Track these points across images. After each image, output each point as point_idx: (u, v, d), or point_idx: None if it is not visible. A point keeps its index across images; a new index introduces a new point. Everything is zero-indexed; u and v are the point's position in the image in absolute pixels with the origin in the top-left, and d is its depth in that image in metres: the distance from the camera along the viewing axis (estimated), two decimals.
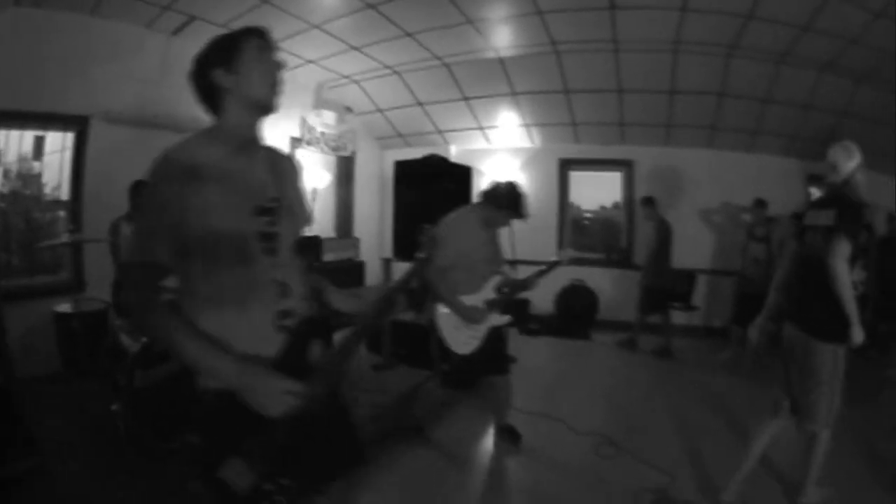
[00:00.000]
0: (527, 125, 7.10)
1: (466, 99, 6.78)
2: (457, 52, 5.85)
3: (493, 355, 3.48)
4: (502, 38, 5.59)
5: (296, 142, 6.28)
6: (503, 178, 7.01)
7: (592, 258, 7.51)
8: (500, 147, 7.52)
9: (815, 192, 6.00)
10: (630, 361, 6.07)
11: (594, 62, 5.83)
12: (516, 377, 4.17)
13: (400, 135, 7.69)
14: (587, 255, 7.60)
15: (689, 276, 6.84)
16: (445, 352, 3.38)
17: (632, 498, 3.11)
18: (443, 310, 3.33)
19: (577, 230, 7.98)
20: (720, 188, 7.09)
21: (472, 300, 3.34)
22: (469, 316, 3.31)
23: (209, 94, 1.40)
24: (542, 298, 7.13)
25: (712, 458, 3.61)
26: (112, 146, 4.61)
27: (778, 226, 5.80)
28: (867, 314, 4.67)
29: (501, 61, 5.97)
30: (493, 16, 5.16)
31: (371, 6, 4.79)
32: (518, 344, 6.15)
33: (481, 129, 7.25)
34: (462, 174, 6.29)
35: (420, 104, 7.00)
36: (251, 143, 1.46)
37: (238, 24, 1.60)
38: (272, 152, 1.56)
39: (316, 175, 6.42)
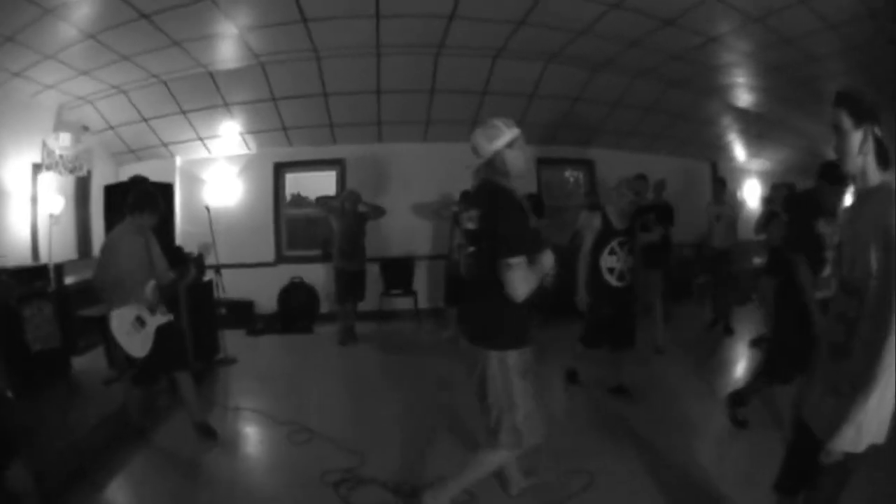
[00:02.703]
0: (242, 133, 7.83)
1: (184, 112, 7.35)
2: (171, 69, 6.48)
3: (168, 353, 3.89)
4: (211, 55, 6.30)
5: (37, 168, 6.27)
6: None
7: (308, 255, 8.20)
8: (220, 155, 8.16)
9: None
10: (352, 352, 6.64)
11: (299, 69, 6.70)
12: (235, 376, 5.33)
13: (131, 150, 7.92)
14: (303, 253, 8.29)
15: (406, 262, 7.46)
16: (128, 356, 3.79)
17: (319, 478, 3.35)
18: (113, 317, 3.71)
19: (296, 229, 8.67)
20: (436, 179, 8.03)
21: (132, 307, 3.74)
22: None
23: None
24: (268, 298, 7.49)
25: (412, 441, 3.93)
26: None
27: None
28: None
29: (212, 75, 6.71)
30: (199, 34, 5.78)
31: (91, 36, 5.37)
32: (242, 346, 6.68)
33: (200, 139, 7.70)
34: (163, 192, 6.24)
35: (145, 120, 7.41)
36: None
37: None
38: None
39: (51, 200, 6.41)
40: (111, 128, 7.51)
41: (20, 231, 6.09)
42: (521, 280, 2.31)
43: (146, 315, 3.79)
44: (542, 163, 8.55)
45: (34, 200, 6.26)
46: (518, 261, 2.31)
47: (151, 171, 7.13)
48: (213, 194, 7.90)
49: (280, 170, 8.26)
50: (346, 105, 7.35)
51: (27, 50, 5.27)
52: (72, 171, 6.78)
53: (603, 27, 5.82)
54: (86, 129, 7.31)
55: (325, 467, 3.46)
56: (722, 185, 7.35)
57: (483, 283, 2.46)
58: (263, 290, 7.88)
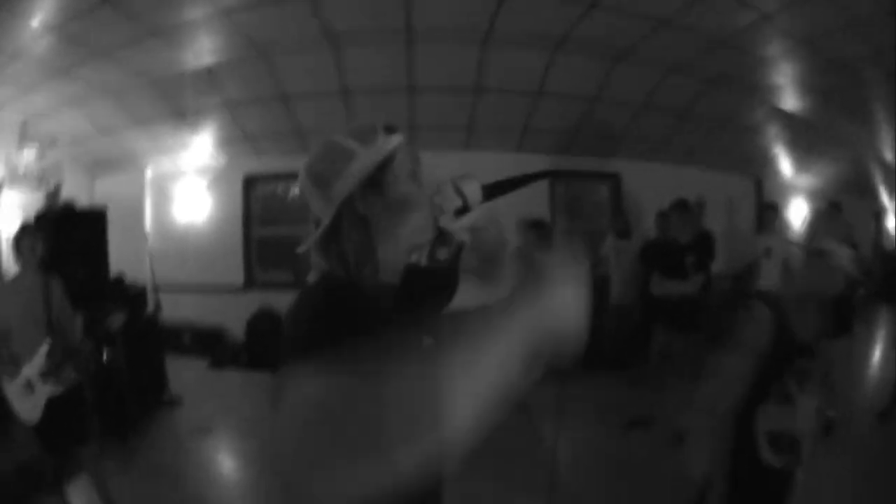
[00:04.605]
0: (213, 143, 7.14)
1: (149, 122, 6.80)
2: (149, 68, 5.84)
3: (62, 427, 3.28)
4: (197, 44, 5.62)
5: None
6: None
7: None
8: (190, 169, 7.48)
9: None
10: None
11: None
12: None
13: (98, 163, 7.46)
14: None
15: None
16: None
17: None
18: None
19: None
20: None
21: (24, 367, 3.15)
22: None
23: None
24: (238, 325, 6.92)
25: None
26: None
27: None
28: None
29: (199, 72, 5.97)
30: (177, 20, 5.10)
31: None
32: (195, 382, 6.28)
33: (170, 151, 7.21)
34: (95, 221, 5.70)
35: (106, 133, 6.89)
36: None
37: None
38: None
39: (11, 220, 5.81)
40: (79, 140, 7.01)
41: None
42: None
43: (36, 381, 3.15)
44: (558, 177, 7.11)
45: None
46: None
47: (121, 186, 6.92)
48: (182, 209, 7.42)
49: (250, 185, 7.52)
50: (370, 104, 6.29)
51: None
52: (38, 187, 6.34)
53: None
54: (54, 141, 6.81)
55: None
56: (773, 211, 5.92)
57: None
58: (231, 316, 7.19)
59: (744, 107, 6.30)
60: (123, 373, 4.93)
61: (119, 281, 5.59)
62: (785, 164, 7.53)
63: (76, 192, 7.08)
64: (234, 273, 7.37)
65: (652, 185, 6.51)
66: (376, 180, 1.17)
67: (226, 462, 4.85)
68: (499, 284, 1.46)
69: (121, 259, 5.85)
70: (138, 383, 5.13)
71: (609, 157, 6.90)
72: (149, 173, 7.55)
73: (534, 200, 6.36)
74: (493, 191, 1.29)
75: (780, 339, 2.33)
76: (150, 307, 5.92)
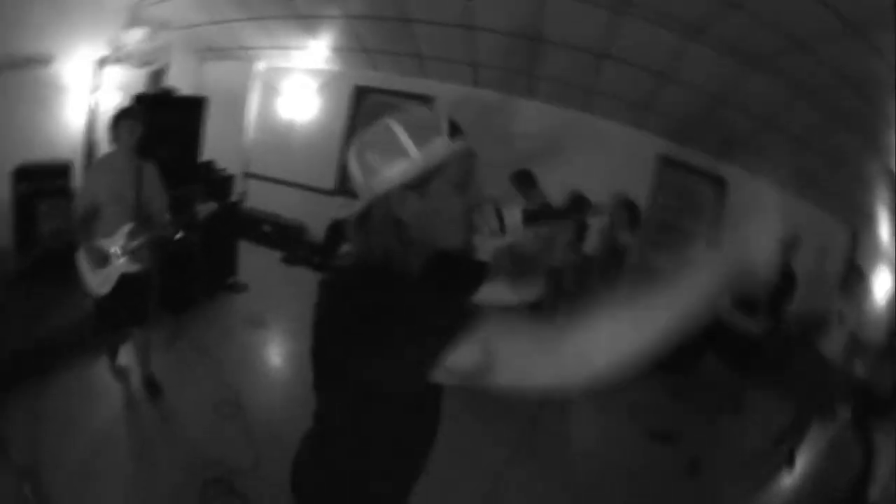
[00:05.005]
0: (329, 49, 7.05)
1: (266, 18, 6.72)
2: None
3: (125, 306, 3.51)
4: None
5: (101, 63, 6.04)
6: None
7: None
8: (300, 67, 7.56)
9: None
10: None
11: None
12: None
13: (212, 50, 7.52)
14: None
15: None
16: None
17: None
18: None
19: None
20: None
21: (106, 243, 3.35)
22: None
23: None
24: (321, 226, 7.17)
25: None
26: None
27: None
28: None
29: None
30: None
31: None
32: (265, 273, 6.52)
33: (280, 48, 7.22)
34: (194, 107, 5.87)
35: (226, 21, 6.86)
36: None
37: None
38: None
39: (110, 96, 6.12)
40: (193, 25, 7.07)
41: (75, 127, 5.94)
42: None
43: (113, 257, 3.34)
44: (665, 164, 6.57)
45: (93, 96, 6.05)
46: None
47: (229, 74, 7.15)
48: (288, 107, 7.57)
49: (361, 94, 7.45)
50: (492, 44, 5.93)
51: None
52: (144, 66, 6.53)
53: None
54: (164, 24, 6.90)
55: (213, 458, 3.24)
56: (858, 275, 5.21)
57: None
58: (314, 217, 7.36)
59: (864, 156, 5.50)
60: (196, 253, 5.25)
61: (208, 165, 5.79)
62: (884, 229, 6.40)
63: (183, 74, 7.27)
64: (327, 177, 7.49)
65: (753, 203, 5.90)
66: (420, 185, 1.14)
67: (271, 358, 5.06)
68: (527, 289, 1.48)
69: (217, 145, 6.06)
70: (208, 265, 5.46)
71: (722, 160, 6.36)
72: (259, 66, 7.63)
73: (634, 181, 6.18)
74: (534, 216, 1.27)
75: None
76: (236, 194, 6.11)
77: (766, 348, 4.39)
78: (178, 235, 4.68)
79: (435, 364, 0.98)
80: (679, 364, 4.94)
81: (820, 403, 4.57)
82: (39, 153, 5.27)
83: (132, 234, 3.33)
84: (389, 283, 1.13)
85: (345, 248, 1.29)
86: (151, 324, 3.80)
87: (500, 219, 1.21)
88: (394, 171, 1.12)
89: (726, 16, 4.28)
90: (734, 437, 4.63)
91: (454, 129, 1.16)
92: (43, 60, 5.34)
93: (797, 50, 4.30)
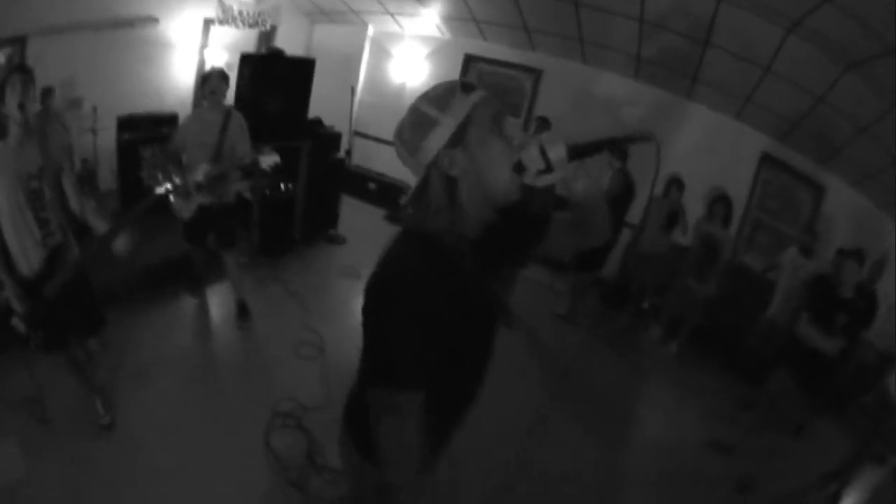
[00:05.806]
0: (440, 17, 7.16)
1: None
2: None
3: (216, 231, 4.19)
4: None
5: (209, 23, 6.48)
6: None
7: None
8: (411, 34, 7.77)
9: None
10: None
11: None
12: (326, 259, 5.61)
13: (323, 12, 7.86)
14: None
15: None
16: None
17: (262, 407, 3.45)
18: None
19: None
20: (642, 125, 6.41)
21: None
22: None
23: None
24: None
25: None
26: None
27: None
28: None
29: None
30: None
31: None
32: (368, 227, 6.82)
33: (391, 14, 7.37)
34: (302, 67, 5.83)
35: None
36: None
37: None
38: None
39: (216, 54, 6.64)
40: None
41: (184, 82, 6.46)
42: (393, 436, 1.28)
43: (192, 189, 3.85)
44: (765, 161, 6.25)
45: (202, 53, 6.53)
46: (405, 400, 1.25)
47: (342, 37, 7.47)
48: (398, 71, 7.89)
49: (470, 62, 7.54)
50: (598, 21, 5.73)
51: None
52: (252, 26, 6.86)
53: None
54: None
55: (287, 395, 3.53)
56: None
57: None
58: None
59: None
60: (298, 203, 5.76)
61: (317, 122, 6.06)
62: None
63: (294, 34, 7.73)
64: None
65: (849, 215, 5.62)
66: (459, 140, 1.29)
67: (359, 310, 5.22)
68: (590, 233, 1.57)
69: (325, 104, 6.34)
70: (309, 216, 5.92)
71: (822, 164, 5.88)
72: (371, 30, 7.90)
73: (736, 180, 6.11)
74: (579, 152, 1.32)
75: None
76: (342, 151, 6.41)
77: (838, 373, 4.18)
78: (282, 184, 5.11)
79: None
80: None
81: (879, 446, 4.28)
82: (147, 105, 5.79)
83: (206, 174, 3.81)
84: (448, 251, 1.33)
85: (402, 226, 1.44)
86: (240, 251, 4.55)
87: (545, 157, 1.28)
88: (432, 141, 1.28)
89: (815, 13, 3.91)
90: (787, 462, 4.36)
91: (467, 86, 1.31)
92: (150, 20, 5.75)
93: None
